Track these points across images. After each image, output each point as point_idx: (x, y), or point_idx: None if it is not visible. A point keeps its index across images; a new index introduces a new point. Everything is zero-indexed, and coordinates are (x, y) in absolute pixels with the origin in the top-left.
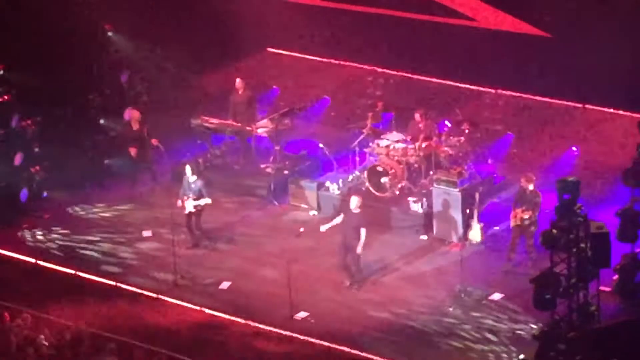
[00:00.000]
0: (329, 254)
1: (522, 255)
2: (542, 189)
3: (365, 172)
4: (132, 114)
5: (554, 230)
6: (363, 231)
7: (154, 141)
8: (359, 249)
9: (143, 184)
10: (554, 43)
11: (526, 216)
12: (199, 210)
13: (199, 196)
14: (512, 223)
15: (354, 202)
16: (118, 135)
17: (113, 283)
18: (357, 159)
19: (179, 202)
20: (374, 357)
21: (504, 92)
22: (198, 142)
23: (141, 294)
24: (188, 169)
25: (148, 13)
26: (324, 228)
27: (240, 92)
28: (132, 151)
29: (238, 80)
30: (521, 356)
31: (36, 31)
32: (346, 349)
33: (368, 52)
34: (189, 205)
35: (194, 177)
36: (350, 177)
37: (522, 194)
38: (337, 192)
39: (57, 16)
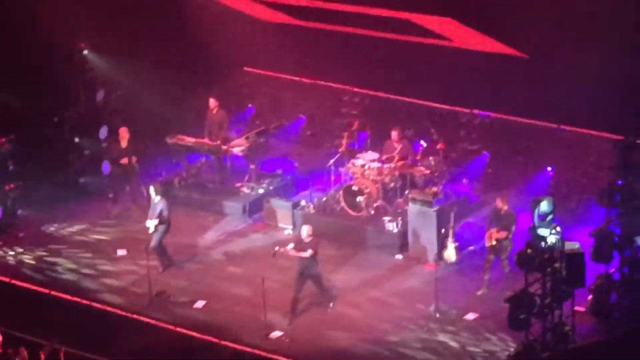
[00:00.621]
0: None
1: (497, 275)
2: (517, 209)
3: (341, 192)
4: (121, 132)
5: (529, 250)
6: (309, 251)
7: (133, 159)
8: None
9: (121, 203)
10: (530, 63)
11: (501, 237)
12: (159, 230)
13: (159, 216)
14: (487, 243)
15: (305, 231)
16: (100, 153)
17: (87, 302)
18: (333, 178)
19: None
20: None
21: (479, 112)
22: (173, 161)
23: (115, 313)
24: (152, 190)
25: (124, 32)
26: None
27: (214, 112)
28: (115, 168)
29: (211, 100)
30: None
31: (11, 49)
32: None
33: (344, 71)
34: (151, 226)
35: (158, 198)
36: (325, 197)
37: (497, 214)
38: (313, 211)
39: (32, 34)
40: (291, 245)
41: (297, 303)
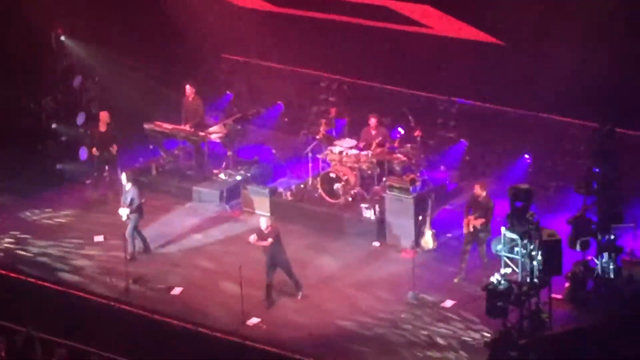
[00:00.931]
0: None
1: (475, 263)
2: (495, 197)
3: (318, 179)
4: (102, 116)
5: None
6: (268, 240)
7: (113, 146)
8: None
9: (99, 189)
10: (507, 51)
11: (479, 224)
12: (134, 218)
13: (130, 204)
14: (464, 230)
15: (263, 222)
16: (77, 139)
17: (63, 289)
18: (310, 165)
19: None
20: None
21: (457, 99)
22: (151, 147)
23: (91, 299)
24: (123, 177)
25: (102, 17)
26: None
27: (190, 99)
28: (95, 152)
29: (187, 86)
30: None
31: None
32: (296, 357)
33: (322, 58)
34: (123, 214)
35: (129, 185)
36: (303, 183)
37: (474, 200)
38: (290, 198)
39: (9, 20)
40: (254, 236)
41: (270, 290)
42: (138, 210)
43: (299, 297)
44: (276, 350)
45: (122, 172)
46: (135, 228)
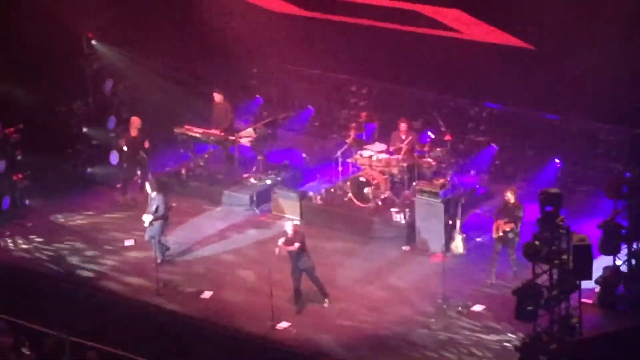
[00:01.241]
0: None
1: (504, 267)
2: (525, 201)
3: (348, 183)
4: (133, 121)
5: (536, 242)
6: (295, 245)
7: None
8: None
9: (129, 192)
10: (538, 55)
11: (508, 228)
12: (159, 224)
13: (155, 211)
14: (494, 234)
15: (289, 226)
16: (108, 143)
17: (94, 291)
18: (340, 169)
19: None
20: None
21: (487, 103)
22: (181, 151)
23: (122, 301)
24: (147, 185)
25: (133, 22)
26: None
27: (218, 104)
28: (125, 157)
29: (215, 94)
30: None
31: (20, 39)
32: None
33: (352, 62)
34: (147, 219)
35: (154, 193)
36: (333, 187)
37: (504, 205)
38: (320, 202)
39: (41, 25)
40: (281, 239)
41: (299, 294)
42: (163, 217)
43: (326, 304)
44: (307, 353)
45: (147, 180)
46: (160, 235)
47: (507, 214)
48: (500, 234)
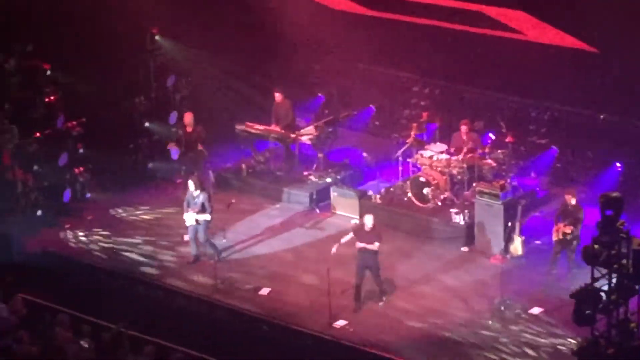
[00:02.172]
0: None
1: (563, 270)
2: (585, 205)
3: (408, 183)
4: (185, 117)
5: (596, 246)
6: (376, 244)
7: (200, 146)
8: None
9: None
10: (601, 58)
11: (568, 230)
12: (200, 223)
13: (201, 210)
14: (554, 237)
15: (369, 220)
16: (169, 138)
17: (153, 286)
18: (400, 169)
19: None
20: None
21: (549, 105)
22: (241, 148)
23: (181, 295)
24: (191, 183)
25: (196, 18)
26: (334, 249)
27: (279, 103)
28: (178, 153)
29: (276, 94)
30: None
31: (83, 33)
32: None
33: (414, 62)
34: (191, 218)
35: (197, 192)
36: (392, 187)
37: (564, 208)
38: (380, 201)
39: (105, 19)
40: (350, 235)
41: (359, 292)
42: (208, 215)
43: (381, 304)
44: (367, 350)
45: (191, 177)
46: (207, 233)
47: (567, 217)
48: (560, 236)
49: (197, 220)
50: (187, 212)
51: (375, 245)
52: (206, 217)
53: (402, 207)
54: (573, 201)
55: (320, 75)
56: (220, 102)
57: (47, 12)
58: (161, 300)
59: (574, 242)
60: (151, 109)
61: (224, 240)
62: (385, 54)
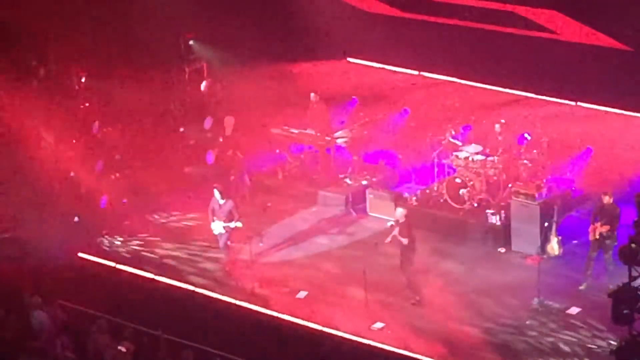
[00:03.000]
0: None
1: (600, 270)
2: (622, 204)
3: (444, 184)
4: (227, 121)
5: (633, 245)
6: (405, 240)
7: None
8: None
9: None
10: (635, 56)
11: (604, 230)
12: (229, 231)
13: (229, 218)
14: (590, 237)
15: (399, 213)
16: (205, 142)
17: (189, 290)
18: (436, 170)
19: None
20: None
21: (584, 105)
22: (277, 151)
23: (217, 300)
24: (216, 192)
25: (230, 22)
26: (388, 239)
27: (315, 105)
28: (220, 157)
29: (312, 94)
30: None
31: (118, 39)
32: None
33: (448, 63)
34: (218, 227)
35: (223, 200)
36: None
37: (600, 208)
38: (415, 203)
39: (139, 25)
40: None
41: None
42: (237, 222)
43: (413, 301)
44: (404, 354)
45: (215, 187)
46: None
47: (603, 217)
48: (597, 236)
49: (225, 228)
50: (214, 220)
51: (405, 240)
52: (237, 224)
53: (438, 209)
54: (610, 200)
55: (354, 78)
56: (255, 106)
57: (82, 19)
58: (198, 305)
59: (610, 242)
60: (186, 113)
61: (261, 244)
62: (419, 55)
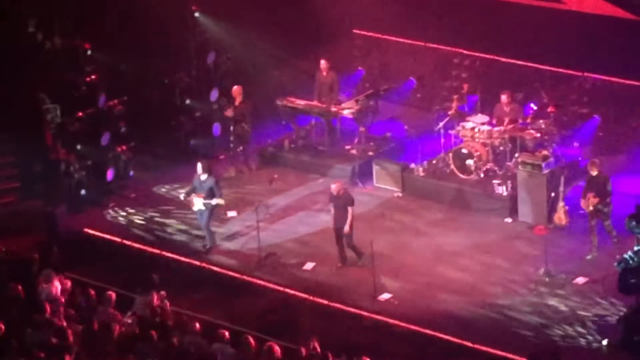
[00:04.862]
0: (413, 235)
1: (606, 239)
2: (628, 173)
3: (450, 154)
4: (235, 91)
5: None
6: (350, 209)
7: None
8: (346, 227)
9: (232, 164)
10: None
11: (596, 202)
12: (209, 208)
13: (209, 194)
14: (585, 209)
15: (334, 188)
16: (211, 114)
17: (197, 263)
18: (442, 141)
19: (182, 197)
20: (455, 341)
21: (591, 75)
22: (283, 123)
23: (226, 274)
24: (199, 166)
25: None
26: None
27: (324, 73)
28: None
29: (322, 61)
30: (605, 341)
31: (123, 12)
32: (429, 332)
33: (454, 34)
34: (198, 203)
35: (205, 175)
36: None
37: (589, 179)
38: (422, 174)
39: None
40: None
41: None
42: (219, 199)
43: (338, 265)
44: (411, 327)
45: (200, 161)
46: (210, 220)
47: (592, 188)
48: (591, 208)
49: (205, 205)
50: (195, 197)
51: (349, 210)
52: (219, 201)
53: (444, 179)
54: (596, 171)
55: (360, 49)
56: (261, 77)
57: None
58: (205, 278)
59: (607, 210)
60: (192, 85)
61: (267, 216)
62: (425, 26)
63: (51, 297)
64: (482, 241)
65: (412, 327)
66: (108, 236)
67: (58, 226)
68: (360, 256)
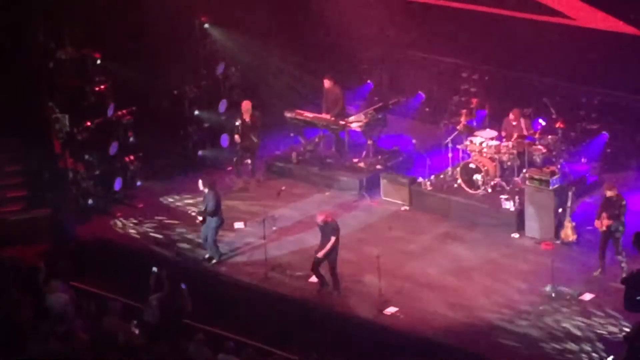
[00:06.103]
0: (420, 250)
1: (613, 257)
2: (636, 190)
3: (458, 169)
4: (244, 105)
5: None
6: (332, 239)
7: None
8: (320, 252)
9: (240, 176)
10: None
11: (610, 223)
12: (215, 225)
13: (206, 210)
14: (599, 228)
15: (318, 218)
16: (219, 126)
17: (202, 274)
18: (450, 155)
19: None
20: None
21: (599, 90)
22: (291, 135)
23: (231, 283)
24: (200, 182)
25: (245, 5)
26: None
27: (329, 89)
28: (237, 140)
29: (325, 80)
30: (610, 357)
31: (133, 21)
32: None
33: (464, 48)
34: (200, 217)
35: (205, 190)
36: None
37: (605, 201)
38: (430, 188)
39: (154, 7)
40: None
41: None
42: (217, 216)
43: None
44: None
45: (201, 177)
46: (216, 235)
47: (607, 209)
48: (604, 228)
49: (202, 221)
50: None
51: (331, 240)
52: (212, 220)
53: (452, 194)
54: (612, 194)
55: (369, 62)
56: (269, 89)
57: (98, 1)
58: (211, 288)
59: (619, 234)
60: (201, 96)
61: (274, 228)
62: (434, 40)
63: (59, 306)
64: (488, 256)
65: (415, 338)
66: (115, 245)
67: (66, 235)
68: (323, 284)
